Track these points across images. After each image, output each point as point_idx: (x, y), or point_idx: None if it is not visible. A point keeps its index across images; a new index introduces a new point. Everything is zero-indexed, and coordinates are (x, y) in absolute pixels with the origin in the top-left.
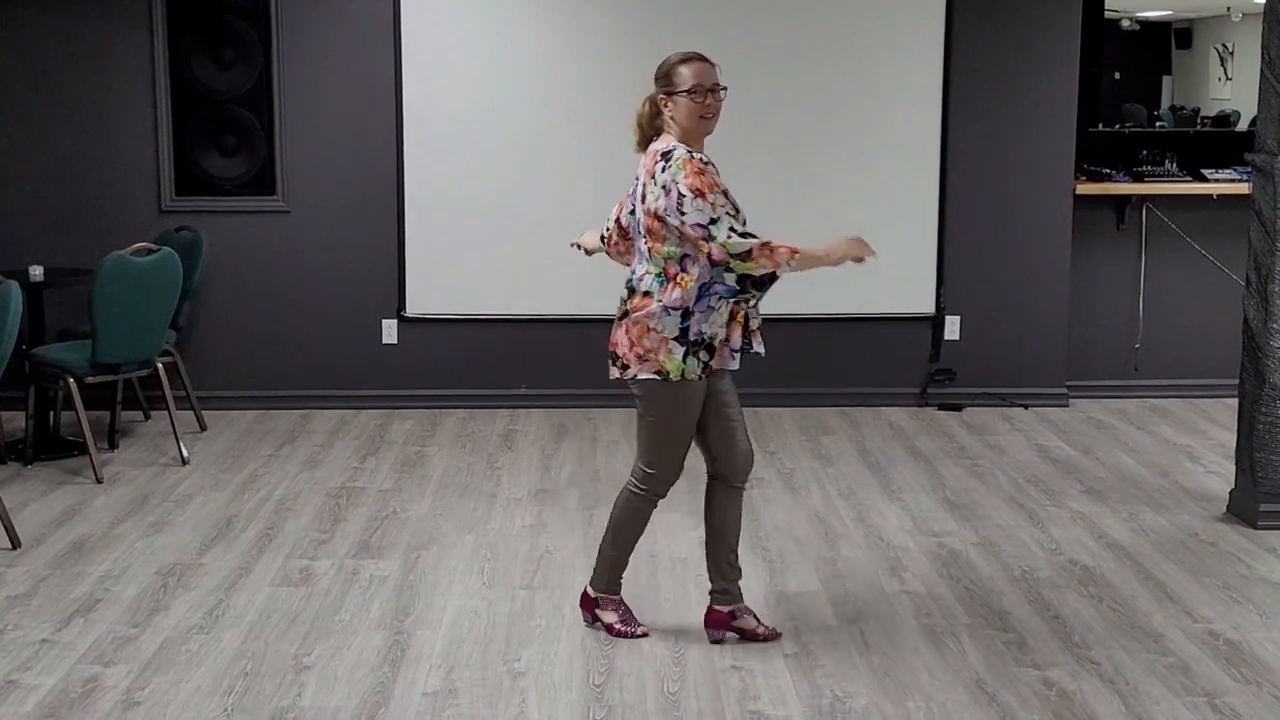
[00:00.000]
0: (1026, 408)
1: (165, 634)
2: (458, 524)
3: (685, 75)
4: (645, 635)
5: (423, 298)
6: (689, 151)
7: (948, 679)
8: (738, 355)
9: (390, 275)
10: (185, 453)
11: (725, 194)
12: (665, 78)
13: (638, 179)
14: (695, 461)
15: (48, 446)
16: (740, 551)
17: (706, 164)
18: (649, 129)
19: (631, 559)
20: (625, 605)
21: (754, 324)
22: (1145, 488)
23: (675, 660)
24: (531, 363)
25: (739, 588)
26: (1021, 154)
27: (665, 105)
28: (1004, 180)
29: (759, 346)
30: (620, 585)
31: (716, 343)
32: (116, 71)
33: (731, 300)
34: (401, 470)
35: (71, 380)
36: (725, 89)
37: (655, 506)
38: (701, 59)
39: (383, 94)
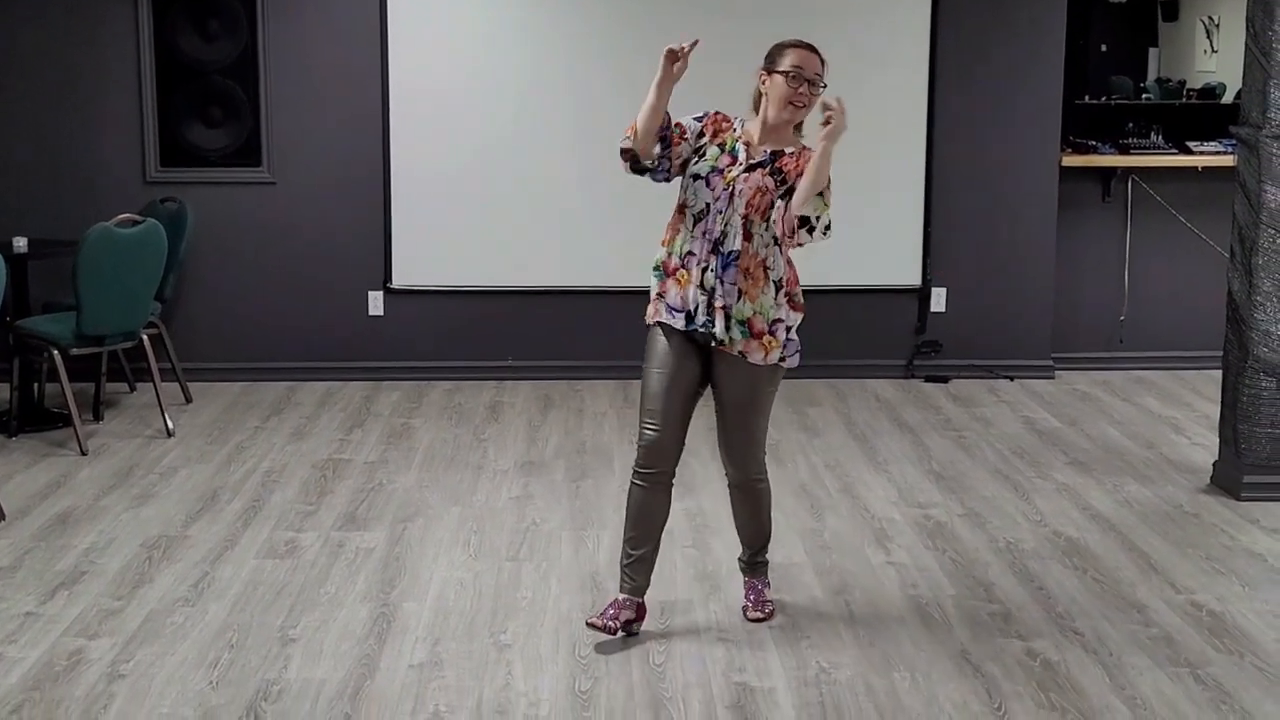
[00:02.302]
0: (1012, 379)
1: (150, 606)
2: (444, 496)
3: (788, 58)
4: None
5: (409, 269)
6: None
7: (933, 650)
8: (678, 315)
9: (376, 247)
10: (170, 425)
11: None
12: (769, 56)
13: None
14: (692, 440)
15: (32, 418)
16: (726, 522)
17: (716, 115)
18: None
19: (620, 532)
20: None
21: (715, 295)
22: (1130, 459)
23: (661, 632)
24: (518, 334)
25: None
26: (1008, 126)
27: (764, 82)
28: (990, 152)
29: (704, 322)
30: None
31: (654, 281)
32: (101, 43)
33: (671, 247)
34: (388, 442)
35: (56, 352)
36: (825, 86)
37: (641, 489)
38: (810, 49)
39: (369, 65)
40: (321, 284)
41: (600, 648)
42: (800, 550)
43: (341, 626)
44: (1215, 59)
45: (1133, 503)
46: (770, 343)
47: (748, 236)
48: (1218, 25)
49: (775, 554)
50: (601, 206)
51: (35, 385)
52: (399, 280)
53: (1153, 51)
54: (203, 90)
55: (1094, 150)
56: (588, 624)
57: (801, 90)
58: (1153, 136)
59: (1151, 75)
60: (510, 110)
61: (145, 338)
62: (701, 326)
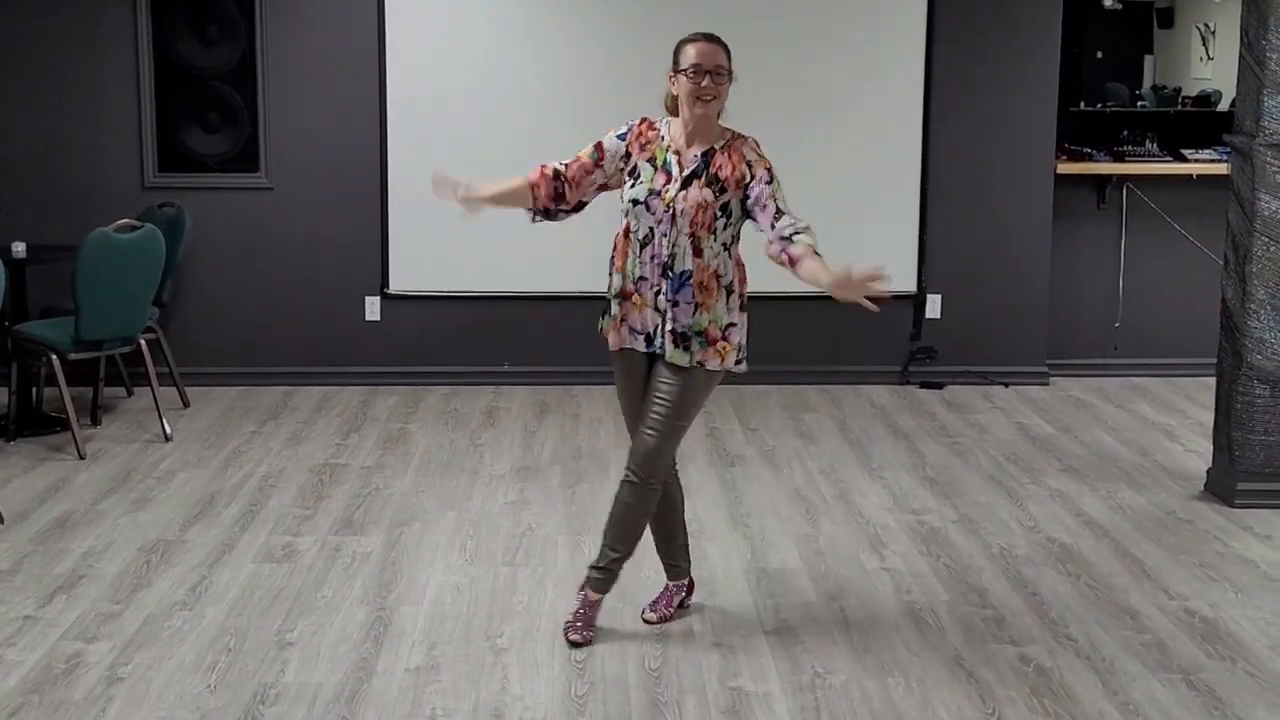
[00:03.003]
0: (1007, 386)
1: (148, 610)
2: (440, 501)
3: (688, 54)
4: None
5: (406, 274)
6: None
7: (926, 655)
8: (639, 337)
9: (374, 252)
10: (168, 429)
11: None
12: (674, 55)
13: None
14: (687, 445)
15: (30, 423)
16: (722, 528)
17: (642, 125)
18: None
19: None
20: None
21: (665, 319)
22: (1124, 466)
23: (657, 637)
24: (514, 340)
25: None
26: (1003, 133)
27: (673, 83)
28: (986, 159)
29: (659, 345)
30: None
31: (614, 307)
32: (100, 48)
33: (618, 273)
34: (384, 447)
35: (54, 357)
36: (732, 74)
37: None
38: (709, 40)
39: (366, 70)
40: (319, 289)
41: (596, 652)
42: (795, 555)
43: (338, 630)
44: (1211, 66)
45: (1126, 509)
46: (725, 348)
47: (698, 253)
48: (1213, 33)
49: (771, 559)
50: (600, 212)
51: (33, 390)
52: (396, 285)
53: (1148, 59)
54: (201, 95)
55: (1089, 158)
56: (646, 622)
57: (705, 84)
58: (1148, 144)
59: (1147, 82)
60: (508, 116)
61: (143, 342)
62: (658, 349)
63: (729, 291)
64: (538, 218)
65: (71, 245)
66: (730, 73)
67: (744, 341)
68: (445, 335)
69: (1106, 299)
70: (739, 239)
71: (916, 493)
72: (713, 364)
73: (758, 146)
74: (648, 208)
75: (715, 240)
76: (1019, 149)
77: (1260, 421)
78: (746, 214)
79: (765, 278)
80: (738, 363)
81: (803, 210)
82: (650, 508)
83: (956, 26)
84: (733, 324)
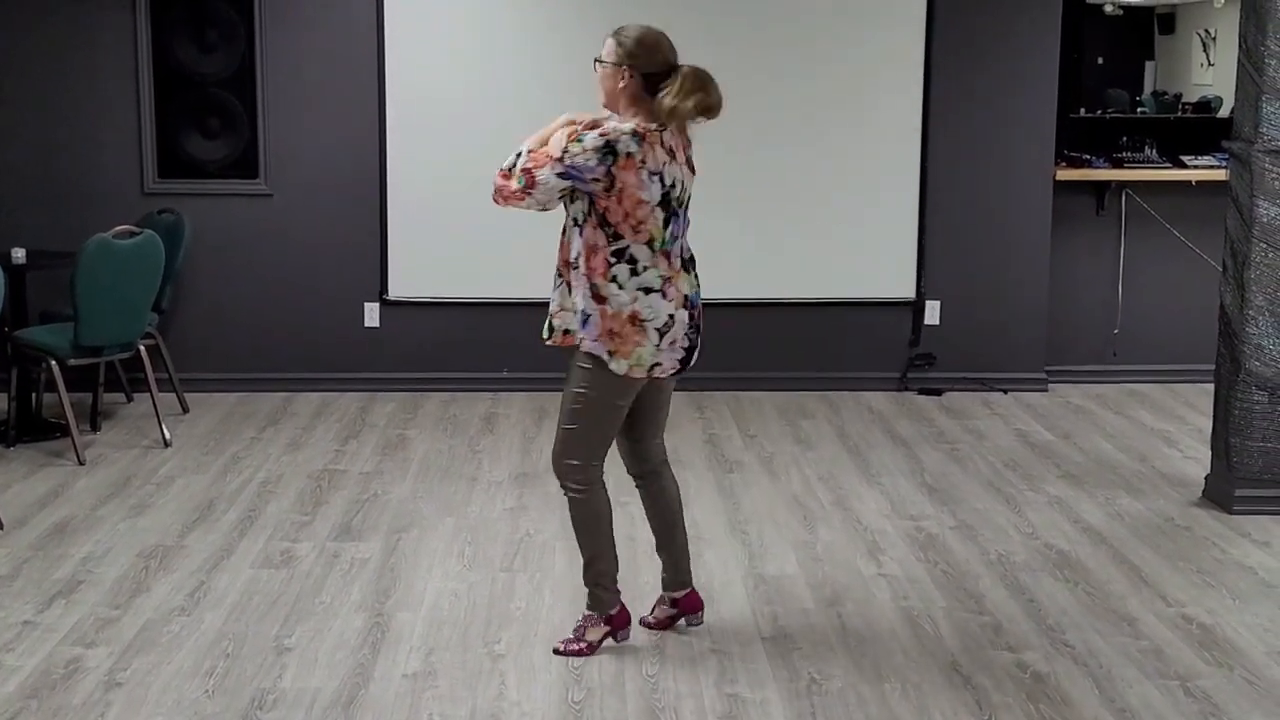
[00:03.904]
0: (1006, 392)
1: (147, 615)
2: (439, 507)
3: None
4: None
5: (405, 281)
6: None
7: (924, 661)
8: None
9: (373, 258)
10: (167, 435)
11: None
12: None
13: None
14: (685, 451)
15: (30, 428)
16: (720, 534)
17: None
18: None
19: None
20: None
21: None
22: (1122, 472)
23: (654, 643)
24: (513, 346)
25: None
26: (1002, 139)
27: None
28: (985, 165)
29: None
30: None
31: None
32: (99, 53)
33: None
34: (383, 453)
35: (54, 362)
36: (616, 66)
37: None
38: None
39: (366, 77)
40: (318, 295)
41: (593, 659)
42: (793, 562)
43: (336, 636)
44: (1211, 72)
45: (1124, 516)
46: (581, 337)
47: (564, 231)
48: (1214, 38)
49: (768, 566)
50: None
51: (33, 395)
52: (395, 292)
53: (1149, 65)
54: (200, 101)
55: (1088, 164)
56: (644, 625)
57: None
58: (1147, 150)
59: (1148, 89)
60: (507, 121)
61: (142, 348)
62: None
63: (573, 268)
64: None
65: (71, 251)
66: (611, 64)
67: (608, 342)
68: (444, 341)
69: (1105, 305)
70: (603, 224)
71: (914, 499)
72: (586, 346)
73: (619, 129)
74: None
75: (568, 216)
76: (1018, 155)
77: (1258, 428)
78: (588, 194)
79: (765, 282)
80: (608, 352)
81: (802, 214)
82: (585, 512)
83: (956, 32)
84: (587, 313)
